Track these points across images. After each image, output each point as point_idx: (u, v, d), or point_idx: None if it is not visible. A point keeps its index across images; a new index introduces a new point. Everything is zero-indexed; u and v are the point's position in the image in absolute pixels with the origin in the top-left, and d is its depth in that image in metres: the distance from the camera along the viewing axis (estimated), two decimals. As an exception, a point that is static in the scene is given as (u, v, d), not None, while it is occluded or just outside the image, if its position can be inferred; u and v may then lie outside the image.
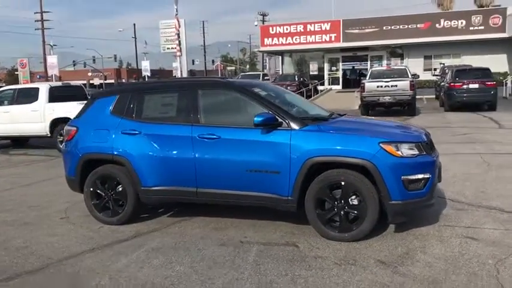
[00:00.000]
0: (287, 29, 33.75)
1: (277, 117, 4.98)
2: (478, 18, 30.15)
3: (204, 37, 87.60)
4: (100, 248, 4.94)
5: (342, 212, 4.81)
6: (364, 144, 4.73)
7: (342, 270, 4.13)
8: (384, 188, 4.65)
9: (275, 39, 34.07)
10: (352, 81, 33.40)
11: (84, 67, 78.68)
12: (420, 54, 32.01)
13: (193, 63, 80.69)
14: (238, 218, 5.70)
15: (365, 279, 3.93)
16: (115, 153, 5.57)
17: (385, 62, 32.91)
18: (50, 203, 7.00)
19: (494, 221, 5.28)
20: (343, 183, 4.77)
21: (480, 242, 4.65)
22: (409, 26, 31.15)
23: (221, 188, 5.25)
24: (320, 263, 4.29)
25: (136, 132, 5.52)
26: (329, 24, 32.86)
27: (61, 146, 12.36)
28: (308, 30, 33.10)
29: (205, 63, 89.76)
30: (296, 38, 33.44)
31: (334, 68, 34.60)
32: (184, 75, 46.16)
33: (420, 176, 4.75)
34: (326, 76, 34.32)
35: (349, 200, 4.80)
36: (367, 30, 31.86)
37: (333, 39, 32.64)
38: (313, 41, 33.07)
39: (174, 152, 5.34)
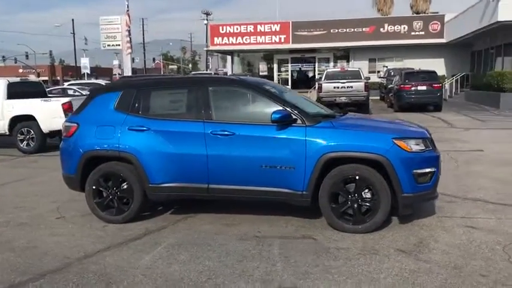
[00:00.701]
0: (237, 28, 33.91)
1: (291, 114, 5.12)
2: (419, 24, 31.84)
3: (143, 34, 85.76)
4: (116, 247, 4.85)
5: (356, 205, 5.03)
6: (379, 140, 4.98)
7: (368, 259, 4.34)
8: (396, 181, 4.92)
9: (225, 38, 34.11)
10: (300, 82, 34.13)
11: (15, 63, 74.63)
12: (365, 57, 33.29)
13: (133, 61, 78.93)
14: (245, 214, 5.78)
15: (393, 266, 4.17)
16: (121, 149, 5.47)
17: (331, 64, 33.93)
18: (35, 203, 6.71)
19: (484, 212, 5.73)
20: (357, 177, 4.99)
21: (481, 231, 5.04)
22: (355, 30, 32.32)
23: (234, 184, 5.31)
24: (345, 254, 4.49)
25: (145, 128, 5.44)
26: (279, 25, 33.38)
27: (21, 145, 11.83)
28: (258, 30, 33.45)
29: (144, 61, 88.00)
30: (246, 38, 33.68)
31: (283, 69, 35.18)
32: (129, 73, 44.95)
33: (427, 170, 5.08)
34: (276, 77, 34.80)
35: (363, 193, 5.03)
36: (315, 33, 32.69)
37: (282, 40, 33.19)
38: (263, 41, 33.47)
39: (186, 149, 5.33)
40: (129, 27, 25.16)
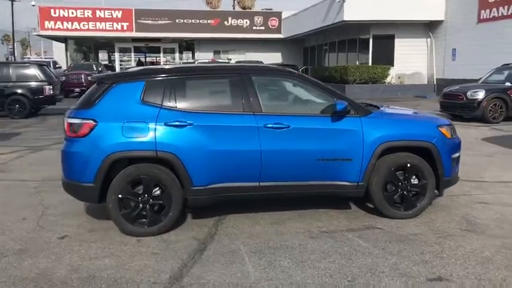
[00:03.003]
0: (73, 13, 30.79)
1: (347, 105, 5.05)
2: (260, 19, 33.50)
3: None
4: (193, 262, 4.14)
5: (405, 192, 5.23)
6: (427, 128, 5.28)
7: (453, 241, 4.57)
8: (441, 166, 5.26)
9: (58, 23, 30.69)
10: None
11: None
12: (210, 48, 33.64)
13: None
14: (274, 211, 5.45)
15: (484, 244, 4.47)
16: (159, 149, 4.66)
17: (177, 54, 33.55)
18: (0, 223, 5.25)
19: (474, 189, 6.49)
20: (408, 165, 5.18)
21: (496, 205, 5.72)
22: (201, 21, 32.39)
23: (288, 180, 5.02)
24: (428, 239, 4.63)
25: (186, 123, 4.73)
26: (120, 12, 31.40)
27: None
28: (98, 16, 30.95)
29: None
30: (84, 24, 30.84)
31: (126, 58, 33.33)
32: None
33: (457, 155, 5.56)
34: (118, 66, 32.77)
35: (411, 180, 5.25)
36: (160, 22, 31.74)
37: (125, 28, 31.37)
38: (104, 28, 31.12)
39: (238, 145, 4.82)
40: None
